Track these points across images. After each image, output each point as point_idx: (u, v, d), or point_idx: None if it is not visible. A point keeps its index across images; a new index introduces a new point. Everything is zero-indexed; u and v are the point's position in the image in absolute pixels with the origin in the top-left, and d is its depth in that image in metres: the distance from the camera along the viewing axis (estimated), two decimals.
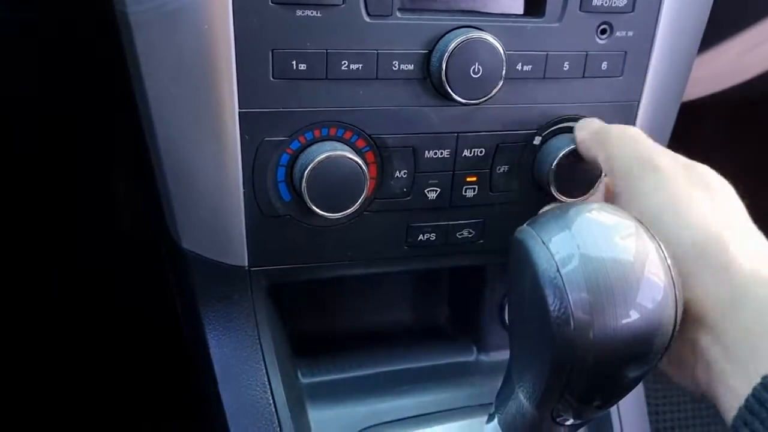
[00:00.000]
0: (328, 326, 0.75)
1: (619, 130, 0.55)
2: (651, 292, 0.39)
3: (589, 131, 0.57)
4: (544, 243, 0.41)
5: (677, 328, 0.41)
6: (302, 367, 0.68)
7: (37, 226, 1.18)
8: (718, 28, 0.83)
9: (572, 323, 0.39)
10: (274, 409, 0.60)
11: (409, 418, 0.64)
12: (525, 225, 0.43)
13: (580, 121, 0.60)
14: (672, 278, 0.40)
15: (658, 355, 0.41)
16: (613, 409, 0.70)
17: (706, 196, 0.47)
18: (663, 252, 0.41)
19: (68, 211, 1.18)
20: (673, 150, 0.53)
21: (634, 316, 0.39)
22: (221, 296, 0.61)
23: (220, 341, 0.61)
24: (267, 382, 0.61)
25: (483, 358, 0.74)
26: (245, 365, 0.61)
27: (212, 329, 0.61)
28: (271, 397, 0.60)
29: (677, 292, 0.40)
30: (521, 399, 0.46)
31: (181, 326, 0.71)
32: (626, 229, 0.41)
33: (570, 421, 0.45)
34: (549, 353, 0.40)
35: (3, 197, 1.11)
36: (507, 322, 0.72)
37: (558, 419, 0.45)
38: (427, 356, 0.73)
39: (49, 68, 0.79)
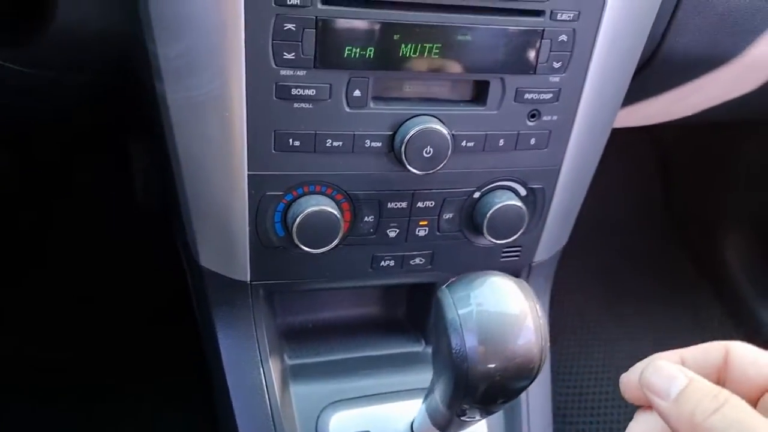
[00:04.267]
0: (312, 320, 0.94)
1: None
2: (525, 339, 0.58)
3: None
4: (452, 300, 0.59)
5: (542, 365, 0.59)
6: (289, 350, 0.88)
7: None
8: (644, 92, 0.98)
9: (467, 359, 0.58)
10: (265, 386, 0.80)
11: (367, 396, 0.84)
12: (443, 286, 0.62)
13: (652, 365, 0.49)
14: (540, 330, 0.59)
15: (527, 384, 0.60)
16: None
17: None
18: (537, 310, 0.59)
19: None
20: None
21: (512, 356, 0.58)
22: (228, 301, 0.80)
23: (226, 334, 0.81)
24: (260, 366, 0.81)
25: (428, 350, 0.94)
26: (245, 353, 0.81)
27: (221, 326, 0.81)
28: (263, 377, 0.80)
29: (543, 341, 0.59)
30: (437, 399, 0.66)
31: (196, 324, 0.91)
32: (513, 292, 0.59)
33: (466, 417, 0.65)
34: (452, 376, 0.60)
35: None
36: None
37: (461, 416, 0.65)
38: (385, 346, 0.92)
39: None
